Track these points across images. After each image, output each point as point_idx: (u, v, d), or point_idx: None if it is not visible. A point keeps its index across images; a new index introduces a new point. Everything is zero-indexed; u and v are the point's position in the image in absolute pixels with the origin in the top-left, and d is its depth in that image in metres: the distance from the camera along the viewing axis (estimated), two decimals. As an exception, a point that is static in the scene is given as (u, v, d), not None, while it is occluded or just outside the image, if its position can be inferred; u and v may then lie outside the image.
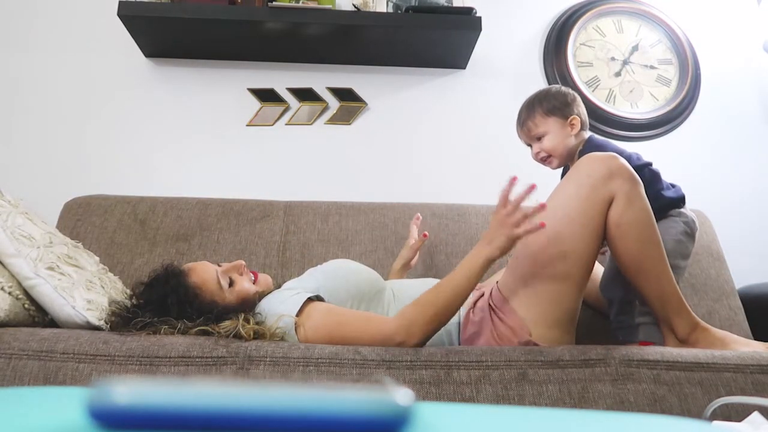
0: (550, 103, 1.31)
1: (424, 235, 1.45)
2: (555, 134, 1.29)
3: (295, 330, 1.01)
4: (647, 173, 1.21)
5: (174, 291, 1.05)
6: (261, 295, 1.14)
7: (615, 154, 1.08)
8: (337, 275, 1.16)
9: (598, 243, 1.07)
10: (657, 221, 1.09)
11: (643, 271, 1.07)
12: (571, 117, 1.29)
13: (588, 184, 1.05)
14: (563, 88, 1.35)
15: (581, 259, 1.06)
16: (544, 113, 1.30)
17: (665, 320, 1.10)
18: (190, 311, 1.02)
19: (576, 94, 1.35)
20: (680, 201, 1.26)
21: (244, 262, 1.17)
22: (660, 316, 1.10)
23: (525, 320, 1.05)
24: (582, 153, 1.28)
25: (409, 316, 0.98)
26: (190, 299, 1.05)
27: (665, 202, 1.23)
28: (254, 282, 1.17)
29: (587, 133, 1.33)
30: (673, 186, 1.28)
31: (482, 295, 1.18)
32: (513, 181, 1.02)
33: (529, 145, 1.35)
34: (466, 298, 1.01)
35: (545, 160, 1.33)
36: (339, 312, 1.04)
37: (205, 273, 1.10)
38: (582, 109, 1.33)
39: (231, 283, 1.11)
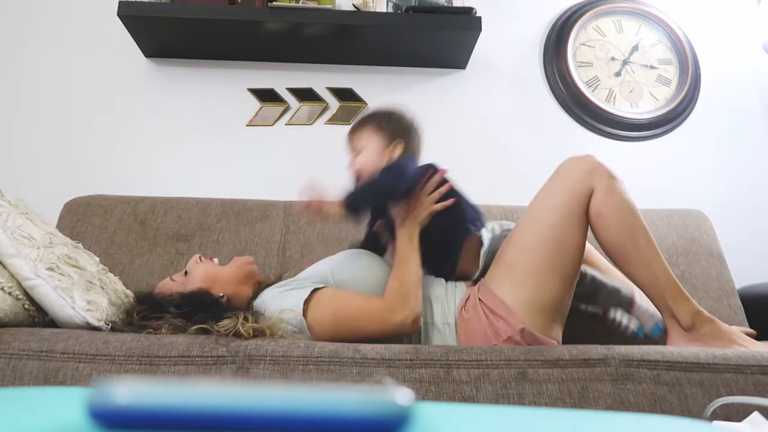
0: (384, 122, 1.24)
1: None
2: (372, 153, 1.21)
3: (303, 315, 1.04)
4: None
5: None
6: (258, 288, 1.17)
7: (592, 155, 1.13)
8: (347, 267, 1.19)
9: (582, 234, 1.10)
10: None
11: (630, 259, 1.09)
12: (395, 141, 1.22)
13: (569, 179, 1.11)
14: (405, 116, 1.27)
15: (566, 249, 1.09)
16: (372, 129, 1.23)
17: (665, 309, 1.09)
18: (186, 305, 1.07)
19: (413, 124, 1.27)
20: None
21: (198, 254, 1.26)
22: (660, 306, 1.10)
23: (514, 309, 1.06)
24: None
25: (395, 289, 1.08)
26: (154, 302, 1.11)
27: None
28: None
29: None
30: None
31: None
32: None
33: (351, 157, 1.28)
34: (419, 262, 1.15)
35: (359, 177, 1.23)
36: (341, 296, 1.09)
37: (160, 283, 1.22)
38: (414, 140, 1.26)
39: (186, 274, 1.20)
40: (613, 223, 1.08)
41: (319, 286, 1.09)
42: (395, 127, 1.25)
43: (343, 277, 1.15)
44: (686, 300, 1.09)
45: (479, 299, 1.13)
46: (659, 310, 1.12)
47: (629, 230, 1.08)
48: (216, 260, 1.26)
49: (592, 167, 1.10)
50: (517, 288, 1.08)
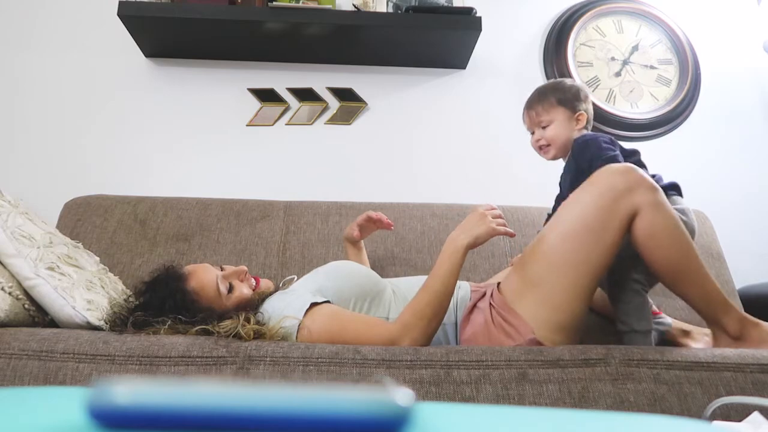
0: (564, 94, 1.30)
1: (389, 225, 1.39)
2: (560, 124, 1.29)
3: (297, 332, 1.01)
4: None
5: (172, 295, 1.06)
6: (263, 296, 1.14)
7: (632, 165, 1.07)
8: (340, 276, 1.16)
9: (613, 255, 1.06)
10: None
11: (683, 276, 1.06)
12: (579, 113, 1.29)
13: (609, 197, 1.04)
14: (578, 83, 1.36)
15: (594, 269, 1.05)
16: (555, 102, 1.30)
17: (713, 320, 1.09)
18: (187, 316, 1.03)
19: (589, 92, 1.35)
20: (665, 190, 1.24)
21: (246, 268, 1.18)
22: (707, 317, 1.09)
23: (527, 320, 1.05)
24: (572, 150, 1.27)
25: (408, 320, 1.00)
26: (187, 305, 1.06)
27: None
28: (255, 288, 1.17)
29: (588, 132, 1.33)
30: (653, 176, 1.27)
31: (483, 296, 1.18)
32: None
33: (531, 132, 1.34)
34: (454, 286, 1.04)
35: (542, 148, 1.32)
36: (342, 317, 1.04)
37: (205, 278, 1.11)
38: (590, 107, 1.33)
39: (230, 289, 1.12)
40: (665, 242, 1.03)
41: (318, 300, 1.06)
42: (574, 96, 1.30)
43: (336, 285, 1.14)
44: (733, 309, 1.08)
45: (490, 304, 1.12)
46: (707, 322, 1.11)
47: (681, 247, 1.04)
48: (251, 283, 1.20)
49: (633, 183, 1.03)
50: (537, 306, 1.05)
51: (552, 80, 1.37)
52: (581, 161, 1.23)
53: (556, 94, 1.30)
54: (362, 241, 1.47)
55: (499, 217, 1.09)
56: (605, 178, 1.06)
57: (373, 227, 1.41)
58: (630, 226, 1.05)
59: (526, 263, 1.10)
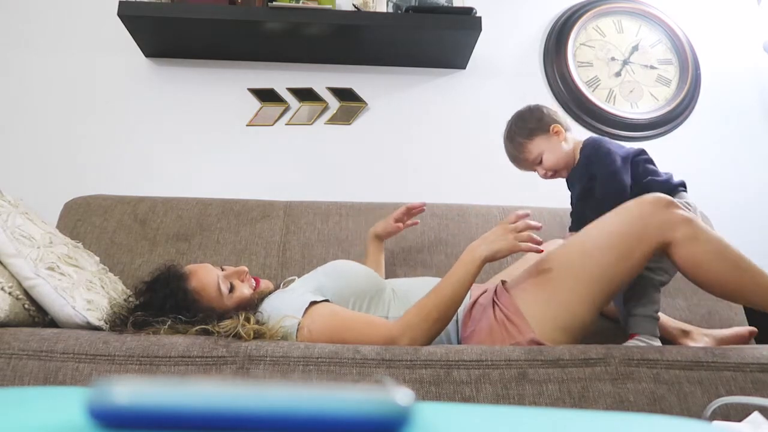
0: (529, 123, 1.31)
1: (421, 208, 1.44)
2: (548, 150, 1.30)
3: (297, 331, 1.01)
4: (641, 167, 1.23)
5: (173, 294, 1.06)
6: (262, 296, 1.15)
7: (666, 197, 1.06)
8: (340, 275, 1.17)
9: (632, 277, 1.07)
10: None
11: (743, 290, 1.06)
12: (551, 126, 1.30)
13: (640, 225, 1.04)
14: (529, 107, 1.36)
15: (609, 285, 1.05)
16: (527, 137, 1.31)
17: None
18: (188, 315, 1.04)
19: (541, 105, 1.36)
20: (675, 187, 1.24)
21: (246, 269, 1.18)
22: None
23: (529, 321, 1.05)
24: (584, 153, 1.27)
25: (411, 320, 1.00)
26: (188, 304, 1.06)
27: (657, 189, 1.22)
28: (255, 288, 1.18)
29: (572, 134, 1.35)
30: (665, 174, 1.27)
31: (484, 291, 1.18)
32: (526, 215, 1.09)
33: (533, 170, 1.36)
34: (464, 296, 1.04)
35: (554, 176, 1.34)
36: (342, 316, 1.04)
37: (206, 278, 1.12)
38: (554, 114, 1.34)
39: (231, 289, 1.13)
40: (714, 266, 1.03)
41: (317, 299, 1.07)
42: (537, 119, 1.31)
43: (336, 285, 1.14)
44: None
45: (493, 299, 1.12)
46: None
47: (732, 265, 1.04)
48: (251, 283, 1.21)
49: (667, 217, 1.03)
50: (542, 304, 1.06)
51: (508, 123, 1.36)
52: (591, 169, 1.24)
53: (523, 129, 1.32)
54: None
55: (528, 228, 1.05)
56: (638, 206, 1.06)
57: (406, 220, 1.44)
58: (670, 257, 1.05)
59: (540, 265, 1.10)
